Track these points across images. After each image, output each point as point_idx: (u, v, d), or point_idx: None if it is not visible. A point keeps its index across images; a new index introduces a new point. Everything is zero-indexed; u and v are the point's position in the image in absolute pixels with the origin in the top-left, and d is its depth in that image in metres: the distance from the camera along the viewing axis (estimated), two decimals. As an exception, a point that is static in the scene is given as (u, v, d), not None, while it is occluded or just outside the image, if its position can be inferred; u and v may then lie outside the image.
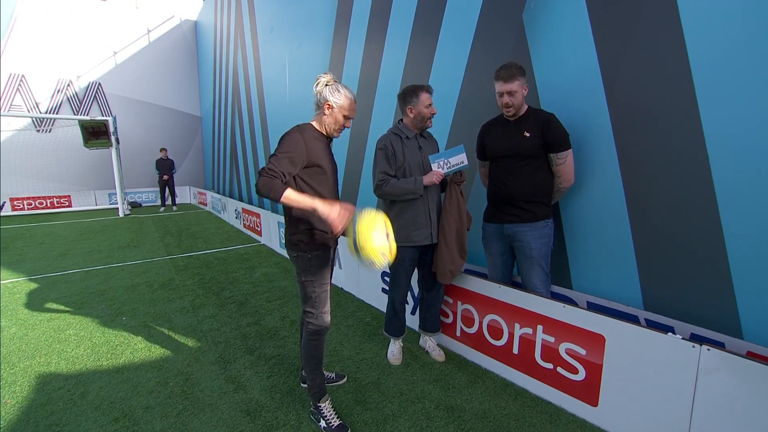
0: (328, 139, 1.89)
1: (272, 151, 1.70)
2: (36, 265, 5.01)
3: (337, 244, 1.99)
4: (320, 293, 1.85)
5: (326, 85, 1.79)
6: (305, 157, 1.72)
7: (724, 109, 1.67)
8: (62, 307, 3.49)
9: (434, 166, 2.18)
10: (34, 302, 3.64)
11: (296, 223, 1.80)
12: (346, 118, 1.83)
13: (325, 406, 1.89)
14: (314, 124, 1.85)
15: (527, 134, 2.10)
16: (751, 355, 1.60)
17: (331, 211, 1.62)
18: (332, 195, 1.87)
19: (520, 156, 2.15)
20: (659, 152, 1.90)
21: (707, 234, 1.76)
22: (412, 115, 2.23)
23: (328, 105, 1.78)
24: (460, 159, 2.21)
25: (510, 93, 2.07)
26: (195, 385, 2.25)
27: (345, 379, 2.27)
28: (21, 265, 5.06)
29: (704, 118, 1.73)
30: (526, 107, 2.17)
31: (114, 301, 3.64)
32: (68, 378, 2.34)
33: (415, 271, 2.49)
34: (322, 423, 1.86)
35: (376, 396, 2.14)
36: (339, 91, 1.78)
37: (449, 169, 2.20)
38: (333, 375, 2.28)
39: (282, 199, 1.62)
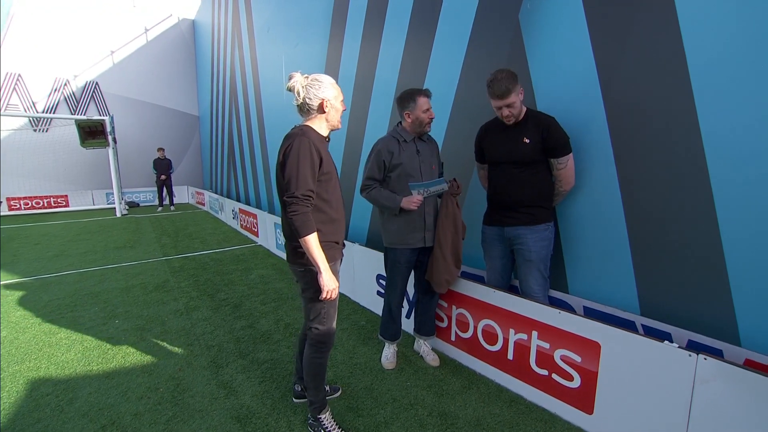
0: (329, 138, 1.80)
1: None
2: (30, 266, 4.97)
3: (342, 255, 1.89)
4: (329, 308, 1.75)
5: (305, 86, 1.65)
6: (318, 165, 1.61)
7: (722, 112, 1.64)
8: (55, 310, 3.46)
9: (414, 193, 2.16)
10: (27, 304, 3.60)
11: None
12: (341, 102, 1.75)
13: (326, 417, 1.86)
14: (312, 125, 1.71)
15: (527, 140, 2.05)
16: (749, 364, 1.58)
17: (329, 281, 1.61)
18: (340, 203, 1.78)
19: (520, 162, 2.11)
20: (656, 155, 1.86)
21: (705, 239, 1.73)
22: (410, 120, 2.21)
23: (325, 102, 1.67)
24: (440, 187, 2.20)
25: (509, 106, 2.02)
26: (186, 391, 2.22)
27: (339, 393, 2.18)
28: (15, 266, 5.02)
29: (702, 121, 1.70)
30: (524, 110, 2.12)
31: (107, 304, 3.60)
32: (57, 383, 2.31)
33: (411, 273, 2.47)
34: None
35: (369, 402, 2.11)
36: (320, 81, 1.66)
37: (428, 195, 2.20)
38: (327, 387, 2.16)
39: (304, 241, 1.57)
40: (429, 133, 2.36)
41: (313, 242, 1.57)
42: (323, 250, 1.64)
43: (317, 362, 1.80)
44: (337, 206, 1.74)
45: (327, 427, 1.83)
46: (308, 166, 1.56)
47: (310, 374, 1.82)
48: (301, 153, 1.56)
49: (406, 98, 2.19)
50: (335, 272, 1.74)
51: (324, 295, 1.63)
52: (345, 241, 1.93)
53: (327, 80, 1.68)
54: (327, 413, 1.87)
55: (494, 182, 2.28)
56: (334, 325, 1.81)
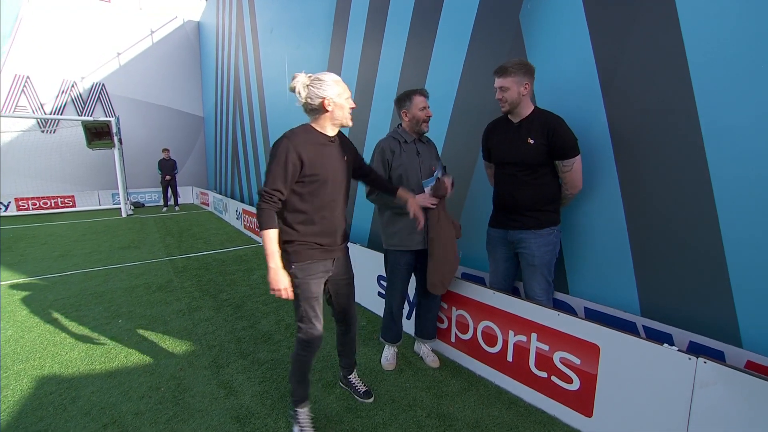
0: (336, 138, 1.76)
1: (269, 157, 1.67)
2: (36, 266, 5.03)
3: (337, 257, 1.86)
4: (307, 308, 1.76)
5: (306, 86, 1.64)
6: (299, 167, 1.62)
7: (723, 112, 1.62)
8: (60, 309, 3.50)
9: (427, 190, 2.17)
10: (32, 304, 3.65)
11: (280, 234, 1.70)
12: (347, 99, 1.72)
13: (303, 412, 1.87)
14: (315, 126, 1.71)
15: (531, 141, 2.00)
16: (750, 365, 1.56)
17: (274, 280, 1.64)
18: (328, 207, 1.74)
19: (524, 165, 2.06)
20: (657, 155, 1.85)
21: (706, 239, 1.72)
22: (407, 119, 2.23)
23: (326, 101, 1.65)
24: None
25: (502, 88, 2.01)
26: (186, 391, 2.23)
27: (372, 399, 2.12)
28: (22, 265, 5.09)
29: (703, 121, 1.68)
30: (531, 108, 2.06)
31: (111, 304, 3.64)
32: (60, 382, 2.34)
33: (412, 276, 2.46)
34: (296, 429, 1.85)
35: (367, 402, 2.11)
36: (322, 80, 1.64)
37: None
38: (363, 389, 2.15)
39: (262, 235, 1.66)
40: (428, 135, 2.36)
41: (267, 238, 1.63)
42: (300, 249, 1.71)
43: (302, 359, 1.83)
44: (322, 209, 1.73)
45: (300, 422, 1.85)
46: (280, 167, 1.61)
47: (295, 368, 1.86)
48: (277, 154, 1.62)
49: (403, 98, 2.22)
50: (316, 272, 1.76)
51: (270, 291, 1.67)
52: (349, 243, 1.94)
53: (329, 78, 1.65)
54: (305, 408, 1.89)
55: (499, 184, 2.24)
56: (318, 327, 1.80)
